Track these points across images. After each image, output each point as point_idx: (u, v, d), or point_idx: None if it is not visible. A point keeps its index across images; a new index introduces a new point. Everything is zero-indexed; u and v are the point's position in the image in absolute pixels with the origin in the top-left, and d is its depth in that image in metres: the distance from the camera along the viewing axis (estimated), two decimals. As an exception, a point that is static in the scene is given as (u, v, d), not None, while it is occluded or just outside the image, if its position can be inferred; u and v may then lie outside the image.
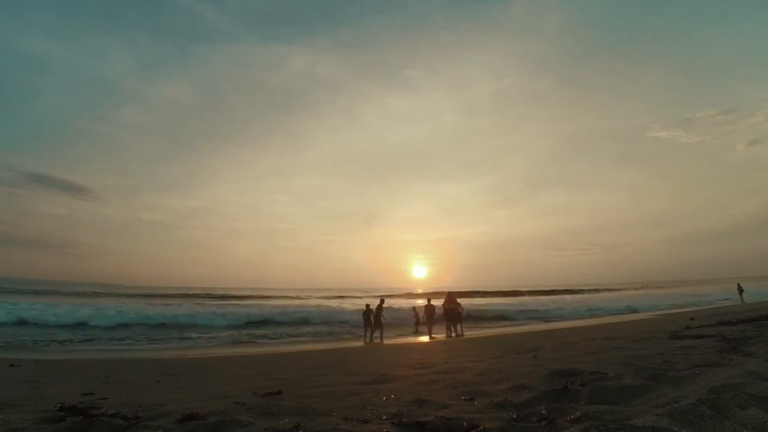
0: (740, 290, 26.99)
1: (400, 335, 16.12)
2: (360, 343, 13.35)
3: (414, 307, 18.62)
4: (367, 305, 15.25)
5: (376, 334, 14.32)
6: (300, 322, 21.48)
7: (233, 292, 63.72)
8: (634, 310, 23.94)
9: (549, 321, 20.77)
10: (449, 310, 14.95)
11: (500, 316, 23.50)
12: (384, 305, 15.39)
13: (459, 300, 15.45)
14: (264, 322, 21.29)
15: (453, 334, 14.39)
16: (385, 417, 2.65)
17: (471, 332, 15.52)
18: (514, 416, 2.47)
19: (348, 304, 31.99)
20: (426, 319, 15.62)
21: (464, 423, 2.37)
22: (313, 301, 39.97)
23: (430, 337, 14.45)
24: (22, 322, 18.91)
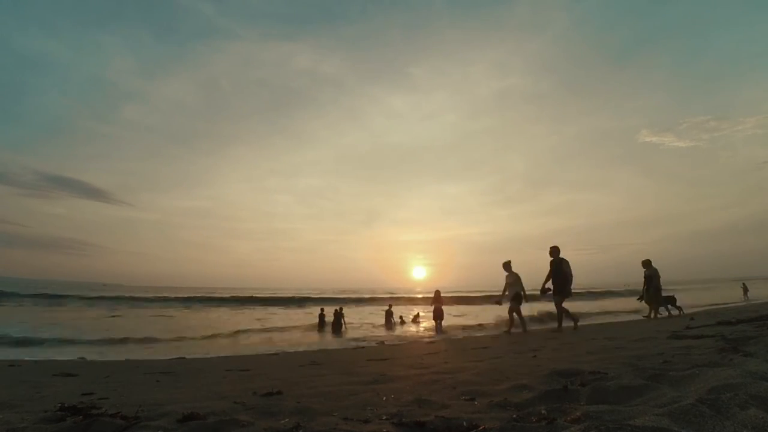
0: (745, 289, 27.04)
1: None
2: (361, 344, 13.37)
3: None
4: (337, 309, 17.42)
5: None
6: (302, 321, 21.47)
7: (233, 293, 63.61)
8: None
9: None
10: (438, 309, 15.30)
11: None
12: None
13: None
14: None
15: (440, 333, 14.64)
16: (385, 417, 2.65)
17: (471, 333, 15.52)
18: (514, 416, 2.47)
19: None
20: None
21: (464, 423, 2.37)
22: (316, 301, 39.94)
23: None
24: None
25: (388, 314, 18.85)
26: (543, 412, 2.47)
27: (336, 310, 17.10)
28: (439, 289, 15.79)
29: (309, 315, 21.31)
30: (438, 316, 15.11)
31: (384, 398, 3.33)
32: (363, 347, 11.08)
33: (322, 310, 17.88)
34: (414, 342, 13.21)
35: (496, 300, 12.97)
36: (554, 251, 11.02)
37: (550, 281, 11.07)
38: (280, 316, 24.73)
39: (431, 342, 12.59)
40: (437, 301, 15.22)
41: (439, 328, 14.98)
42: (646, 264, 13.96)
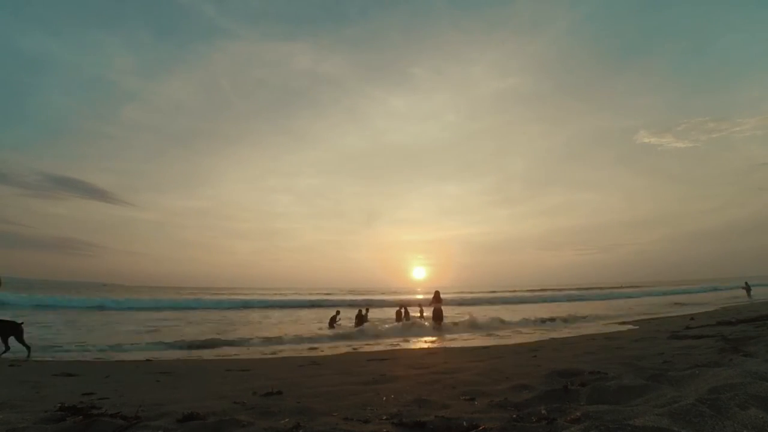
0: (748, 288, 26.96)
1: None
2: (358, 343, 13.35)
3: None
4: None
5: None
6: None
7: (231, 292, 63.70)
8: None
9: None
10: (438, 310, 15.18)
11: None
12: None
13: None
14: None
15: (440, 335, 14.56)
16: (385, 417, 2.65)
17: (471, 333, 15.52)
18: (514, 416, 2.47)
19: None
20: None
21: (464, 423, 2.38)
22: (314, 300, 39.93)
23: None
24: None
25: (398, 313, 19.19)
26: (543, 412, 2.47)
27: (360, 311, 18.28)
28: (439, 290, 15.89)
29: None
30: (438, 316, 15.12)
31: (384, 398, 3.33)
32: (363, 347, 11.09)
33: (338, 312, 18.48)
34: (414, 342, 13.21)
35: None
36: None
37: None
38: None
39: (431, 342, 12.59)
40: (436, 302, 15.26)
41: (438, 328, 14.96)
42: None
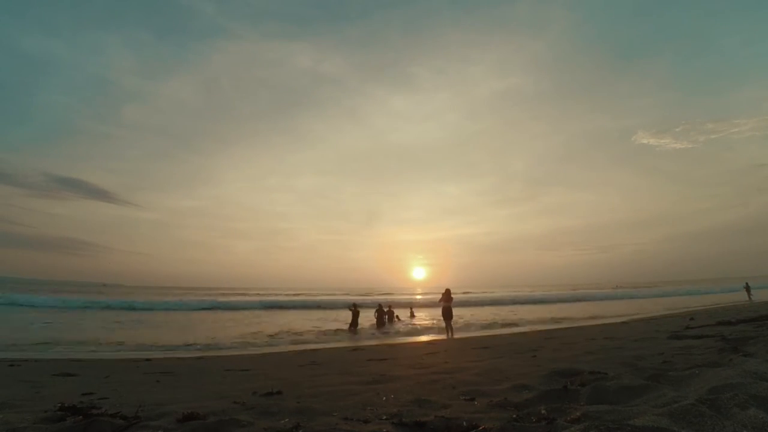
0: (748, 289, 27.00)
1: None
2: (358, 343, 13.36)
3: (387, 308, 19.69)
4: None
5: None
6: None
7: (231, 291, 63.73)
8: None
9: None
10: (447, 309, 14.31)
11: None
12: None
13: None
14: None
15: (451, 335, 13.98)
16: (385, 417, 2.65)
17: (471, 333, 15.53)
18: (514, 416, 2.47)
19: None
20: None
21: (464, 423, 2.38)
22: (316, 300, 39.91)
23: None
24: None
25: (384, 314, 19.16)
26: (543, 412, 2.47)
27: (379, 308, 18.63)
28: (449, 288, 14.63)
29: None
30: (447, 315, 14.19)
31: (384, 398, 3.33)
32: (363, 347, 11.09)
33: (355, 306, 17.72)
34: (414, 342, 13.21)
35: None
36: None
37: None
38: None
39: (431, 342, 12.58)
40: (446, 300, 14.29)
41: (449, 328, 14.16)
42: None
